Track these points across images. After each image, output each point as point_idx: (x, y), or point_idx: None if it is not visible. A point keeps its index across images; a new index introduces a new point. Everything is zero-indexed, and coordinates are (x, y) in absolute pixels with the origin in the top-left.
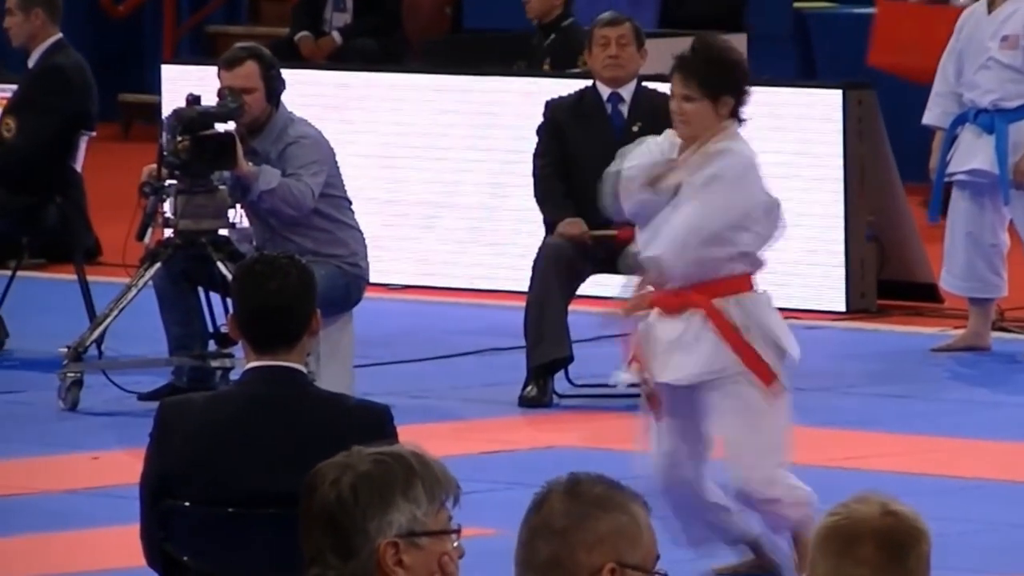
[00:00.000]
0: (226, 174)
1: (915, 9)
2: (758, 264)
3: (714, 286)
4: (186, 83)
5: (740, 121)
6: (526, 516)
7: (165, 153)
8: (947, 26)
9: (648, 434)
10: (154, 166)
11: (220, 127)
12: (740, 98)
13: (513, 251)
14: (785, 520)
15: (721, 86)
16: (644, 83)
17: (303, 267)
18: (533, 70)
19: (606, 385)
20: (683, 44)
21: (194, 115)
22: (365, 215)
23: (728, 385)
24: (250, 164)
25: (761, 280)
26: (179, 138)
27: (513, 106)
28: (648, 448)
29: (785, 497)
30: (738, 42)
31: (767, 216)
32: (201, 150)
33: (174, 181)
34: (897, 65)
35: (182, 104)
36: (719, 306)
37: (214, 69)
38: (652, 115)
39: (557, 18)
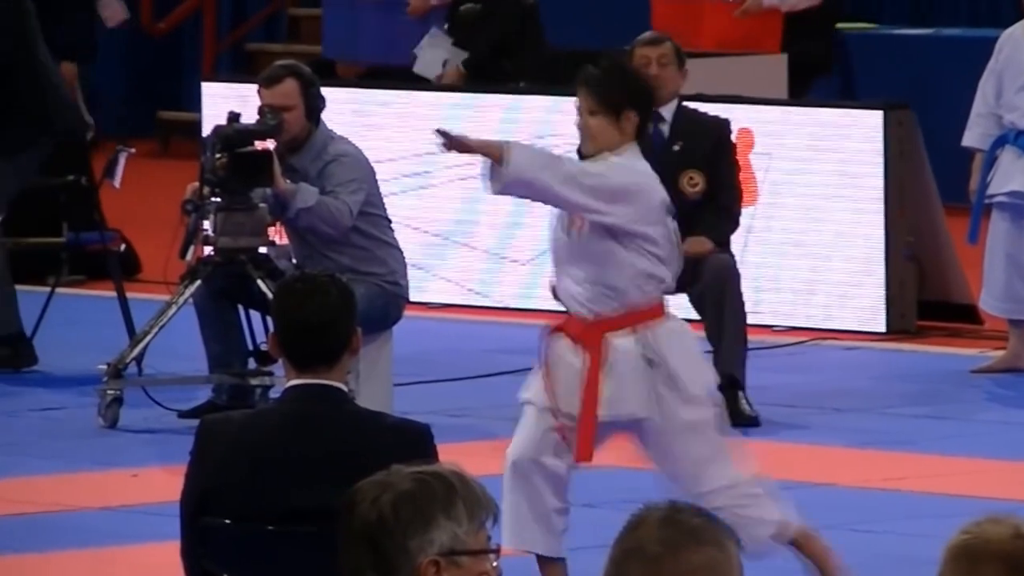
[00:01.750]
0: (267, 191)
1: None
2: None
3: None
4: (225, 100)
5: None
6: (620, 537)
7: (204, 171)
8: None
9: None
10: (197, 184)
11: (260, 144)
12: (644, 115)
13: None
14: (763, 525)
15: (624, 102)
16: (685, 103)
17: (343, 285)
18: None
19: None
20: (725, 64)
21: (232, 132)
22: (404, 233)
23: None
24: (288, 182)
25: (802, 301)
26: (217, 155)
27: (560, 124)
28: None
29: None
30: (777, 64)
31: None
32: (238, 167)
33: (216, 199)
34: None
35: (221, 121)
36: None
37: (254, 86)
38: (692, 135)
39: None
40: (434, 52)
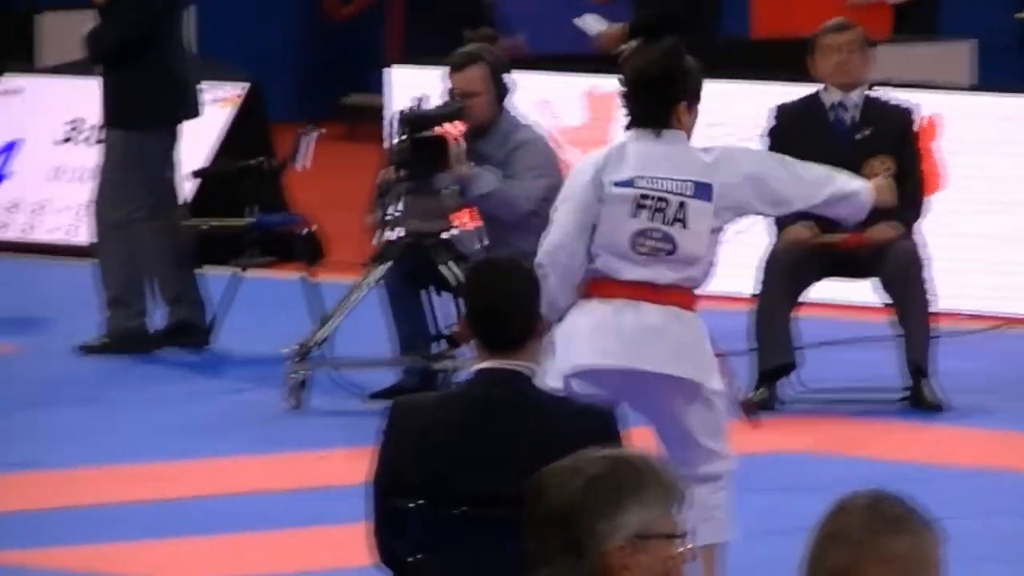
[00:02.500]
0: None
1: None
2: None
3: None
4: (411, 85)
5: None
6: (822, 521)
7: (389, 155)
8: None
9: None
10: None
11: (447, 128)
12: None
13: (742, 254)
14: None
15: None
16: (871, 89)
17: (529, 270)
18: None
19: (835, 390)
20: (914, 51)
21: (413, 116)
22: None
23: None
24: (470, 166)
25: (992, 286)
26: (398, 140)
27: (740, 109)
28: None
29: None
30: (960, 50)
31: None
32: (417, 151)
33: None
34: None
35: (407, 105)
36: None
37: (439, 70)
38: (879, 122)
39: None
40: (597, 17)
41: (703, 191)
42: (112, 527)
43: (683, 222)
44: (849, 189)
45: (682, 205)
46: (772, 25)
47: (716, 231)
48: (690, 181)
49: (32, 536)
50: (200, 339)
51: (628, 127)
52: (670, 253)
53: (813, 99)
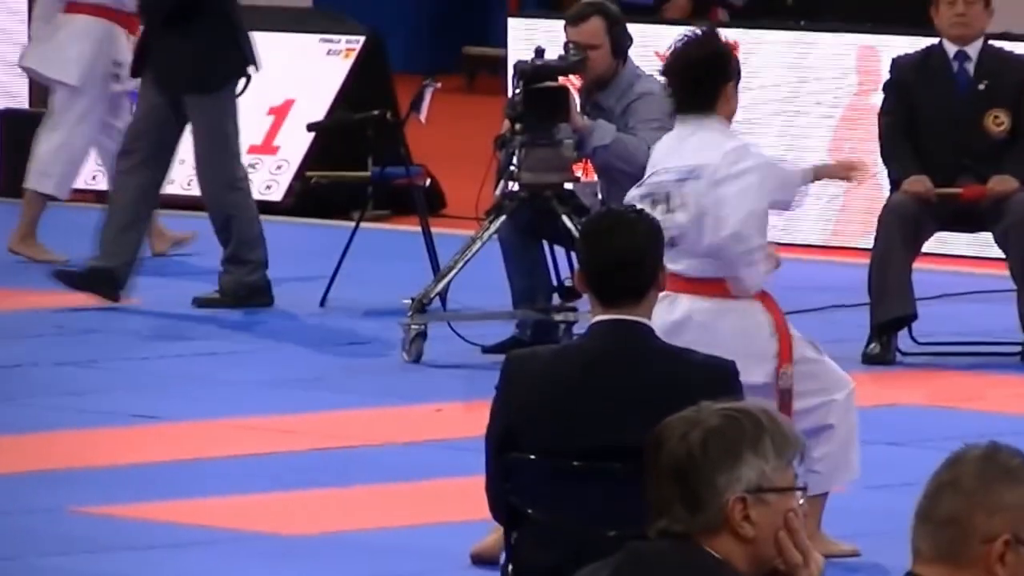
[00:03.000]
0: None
1: None
2: None
3: None
4: (531, 37)
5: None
6: (937, 471)
7: (506, 106)
8: None
9: None
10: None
11: (563, 80)
12: None
13: (858, 207)
14: None
15: None
16: (990, 41)
17: (651, 221)
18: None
19: (951, 343)
20: None
21: (531, 68)
22: None
23: None
24: (586, 119)
25: None
26: (516, 91)
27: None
28: None
29: None
30: None
31: None
32: (534, 103)
33: (521, 135)
34: None
35: (526, 57)
36: None
37: (560, 22)
38: (998, 73)
39: None
40: None
41: (699, 171)
42: (228, 480)
43: (685, 207)
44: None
45: (680, 187)
46: None
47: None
48: (690, 165)
49: (148, 489)
50: (112, 294)
51: (674, 112)
52: (672, 245)
53: (934, 51)
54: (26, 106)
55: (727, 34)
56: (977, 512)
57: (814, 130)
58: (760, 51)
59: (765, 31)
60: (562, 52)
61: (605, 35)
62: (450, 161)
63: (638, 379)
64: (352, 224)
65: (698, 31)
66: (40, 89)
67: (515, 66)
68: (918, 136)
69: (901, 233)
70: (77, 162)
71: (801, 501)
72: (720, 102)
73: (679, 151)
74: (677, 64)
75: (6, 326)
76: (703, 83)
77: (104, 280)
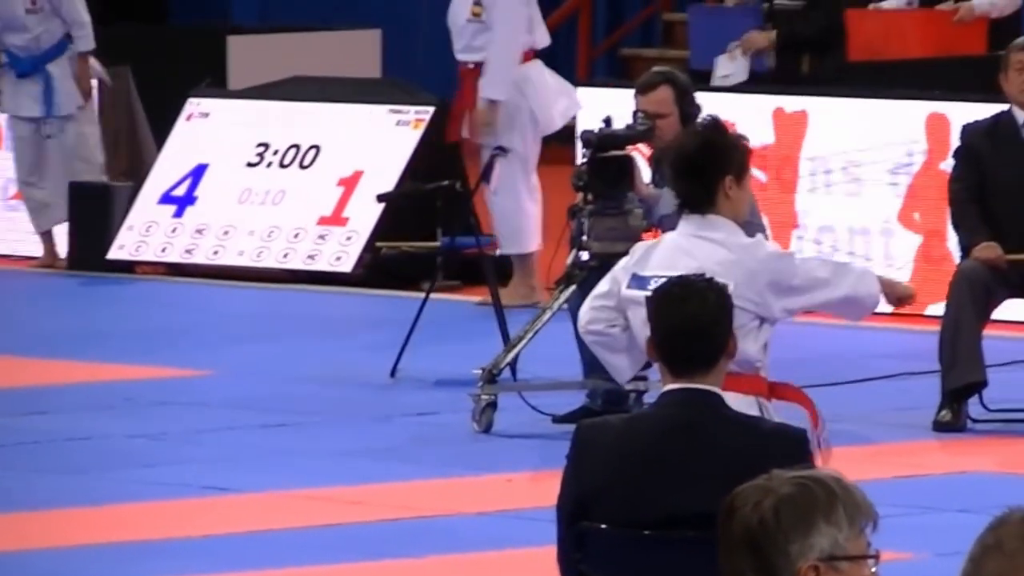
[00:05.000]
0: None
1: None
2: None
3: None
4: (600, 105)
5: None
6: (981, 535)
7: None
8: None
9: None
10: None
11: (633, 149)
12: None
13: (929, 274)
14: None
15: None
16: None
17: (721, 289)
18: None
19: (1023, 410)
20: None
21: (596, 137)
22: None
23: None
24: (652, 187)
25: None
26: (583, 160)
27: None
28: None
29: None
30: None
31: None
32: (599, 171)
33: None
34: None
35: (595, 127)
36: None
37: (628, 91)
38: None
39: None
40: (727, 66)
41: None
42: (300, 552)
43: None
44: (861, 292)
45: None
46: (868, 50)
47: (740, 330)
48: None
49: (220, 561)
50: None
51: (678, 211)
52: None
53: (1003, 117)
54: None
55: (796, 103)
56: (1021, 573)
57: (883, 198)
58: (828, 119)
59: (833, 99)
60: (630, 121)
61: (674, 104)
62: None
63: (710, 448)
64: (422, 295)
65: (706, 119)
66: (108, 161)
67: (582, 135)
68: (988, 202)
69: (972, 300)
70: None
71: (874, 569)
72: (719, 199)
73: (681, 257)
74: (672, 158)
75: (77, 398)
76: (699, 179)
77: None
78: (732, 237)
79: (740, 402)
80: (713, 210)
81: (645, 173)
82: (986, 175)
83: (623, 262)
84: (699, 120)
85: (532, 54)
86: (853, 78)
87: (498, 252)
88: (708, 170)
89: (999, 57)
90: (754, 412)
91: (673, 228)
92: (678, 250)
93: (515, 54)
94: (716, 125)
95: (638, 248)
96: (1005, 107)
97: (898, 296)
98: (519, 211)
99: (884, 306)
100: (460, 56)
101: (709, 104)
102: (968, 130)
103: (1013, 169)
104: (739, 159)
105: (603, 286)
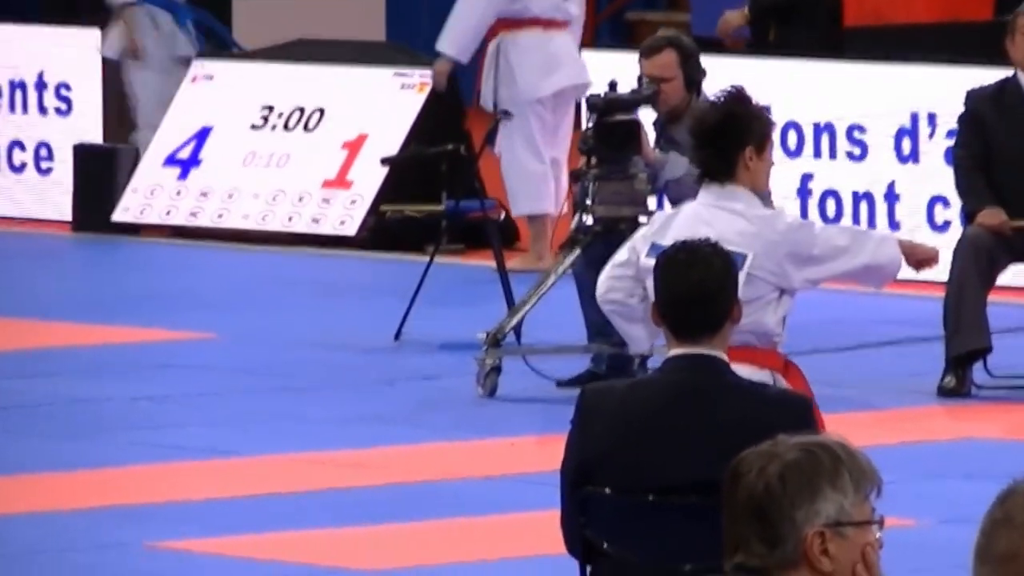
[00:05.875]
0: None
1: None
2: None
3: None
4: (605, 70)
5: None
6: (990, 509)
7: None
8: None
9: None
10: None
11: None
12: None
13: (932, 240)
14: None
15: None
16: None
17: (726, 255)
18: (947, 56)
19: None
20: None
21: (604, 101)
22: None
23: None
24: (658, 152)
25: None
26: (588, 124)
27: (934, 94)
28: None
29: None
30: None
31: None
32: (605, 136)
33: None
34: None
35: (600, 91)
36: None
37: (633, 56)
38: None
39: None
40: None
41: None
42: (303, 516)
43: None
44: (881, 259)
45: None
46: (863, 14)
47: (759, 301)
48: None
49: (223, 524)
50: None
51: (698, 180)
52: None
53: (1008, 83)
54: (100, 140)
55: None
56: None
57: (887, 164)
58: (831, 84)
59: (837, 63)
60: (635, 86)
61: (678, 68)
62: None
63: (714, 414)
64: (426, 258)
65: (729, 89)
66: (112, 124)
67: (587, 100)
68: (993, 169)
69: (976, 266)
70: None
71: (878, 535)
72: (739, 169)
73: (700, 227)
74: (694, 128)
75: (80, 361)
76: (719, 148)
77: None
78: (751, 208)
79: (755, 376)
80: (732, 180)
81: (650, 137)
82: (991, 142)
83: (642, 231)
84: (722, 89)
85: (537, 22)
86: (857, 43)
87: (508, 215)
88: (729, 140)
89: (1005, 23)
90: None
91: (679, 194)
92: (697, 220)
93: (477, 15)
94: (739, 95)
95: (657, 217)
96: (1010, 72)
97: (919, 259)
98: (520, 172)
99: (906, 271)
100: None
101: (713, 69)
102: (973, 96)
103: (1018, 136)
104: (760, 130)
105: (622, 255)
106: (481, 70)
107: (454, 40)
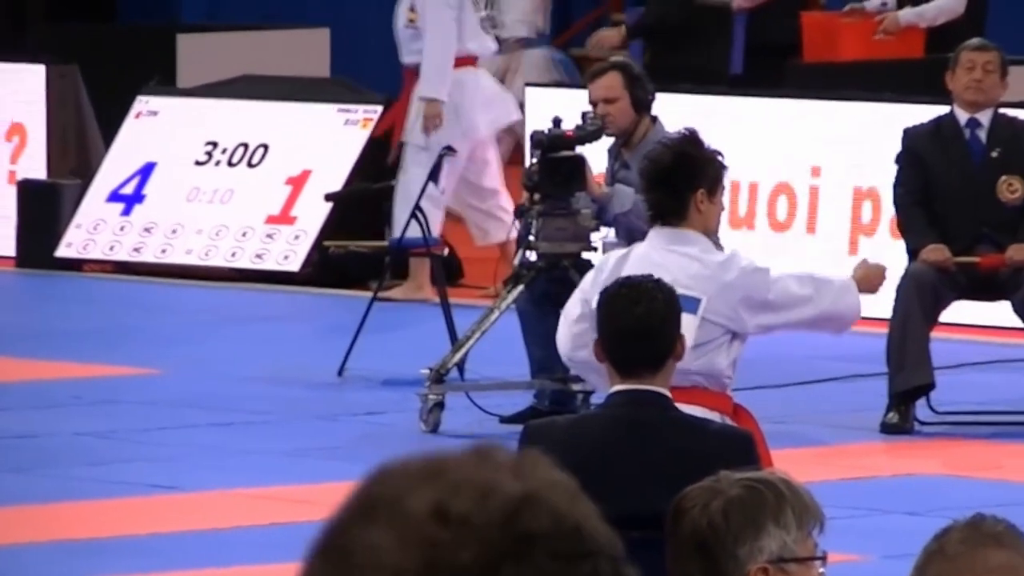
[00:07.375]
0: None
1: None
2: None
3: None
4: (549, 106)
5: None
6: (926, 544)
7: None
8: None
9: None
10: None
11: (583, 149)
12: None
13: None
14: None
15: None
16: (1002, 110)
17: (669, 291)
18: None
19: (969, 412)
20: None
21: (548, 137)
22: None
23: None
24: (604, 187)
25: None
26: (533, 161)
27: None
28: None
29: None
30: None
31: None
32: (550, 172)
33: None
34: None
35: (544, 127)
36: None
37: (577, 92)
38: (1010, 140)
39: None
40: None
41: (688, 304)
42: (246, 551)
43: None
44: (842, 307)
45: None
46: (820, 52)
47: (711, 344)
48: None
49: (166, 560)
50: None
51: (648, 222)
52: None
53: (944, 119)
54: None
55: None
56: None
57: (832, 201)
58: (763, 121)
59: (770, 99)
60: (579, 122)
61: (623, 88)
62: (467, 231)
63: (657, 449)
64: (370, 294)
65: (683, 131)
66: (55, 160)
67: (531, 136)
68: (934, 205)
69: (920, 302)
70: None
71: (821, 571)
72: (691, 212)
73: (652, 271)
74: (646, 169)
75: (24, 396)
76: (671, 190)
77: None
78: (706, 253)
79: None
80: (684, 223)
81: (602, 164)
82: (930, 177)
83: (590, 277)
84: (676, 132)
85: (471, 60)
86: (796, 80)
87: (452, 251)
88: (680, 182)
89: (939, 60)
90: None
91: (629, 225)
92: (649, 263)
93: (447, 56)
94: (692, 137)
95: (607, 262)
96: (945, 110)
97: (874, 286)
98: (411, 202)
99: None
100: (402, 60)
101: (666, 104)
102: (910, 134)
103: (957, 170)
104: (712, 173)
105: (575, 309)
106: (400, 106)
107: (442, 83)
